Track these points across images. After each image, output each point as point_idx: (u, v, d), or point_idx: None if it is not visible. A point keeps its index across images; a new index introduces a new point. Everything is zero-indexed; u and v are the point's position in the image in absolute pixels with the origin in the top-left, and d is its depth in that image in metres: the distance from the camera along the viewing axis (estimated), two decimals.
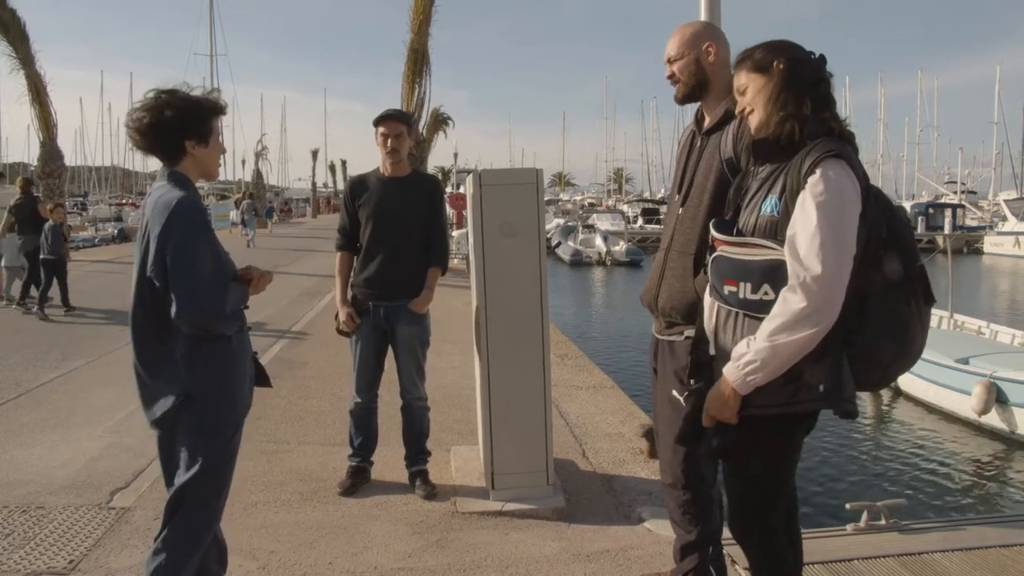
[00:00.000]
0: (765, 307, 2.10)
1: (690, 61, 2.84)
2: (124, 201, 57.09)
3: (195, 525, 2.49)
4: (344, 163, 77.01)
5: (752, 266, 2.14)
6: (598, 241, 35.54)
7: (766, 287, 2.11)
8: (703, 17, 4.05)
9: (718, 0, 4.06)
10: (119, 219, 43.05)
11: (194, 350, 2.41)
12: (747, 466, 2.30)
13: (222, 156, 2.67)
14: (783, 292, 2.05)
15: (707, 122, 2.90)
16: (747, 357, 2.08)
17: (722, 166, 2.74)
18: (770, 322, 2.05)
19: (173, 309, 2.31)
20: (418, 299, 4.20)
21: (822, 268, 1.98)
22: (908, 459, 8.42)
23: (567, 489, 4.33)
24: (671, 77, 2.91)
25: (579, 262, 33.61)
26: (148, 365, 2.45)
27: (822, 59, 2.24)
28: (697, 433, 2.31)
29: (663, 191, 71.20)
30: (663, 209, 50.86)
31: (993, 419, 8.77)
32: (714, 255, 2.27)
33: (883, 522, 3.82)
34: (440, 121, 23.22)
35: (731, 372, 2.12)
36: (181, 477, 2.45)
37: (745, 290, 2.15)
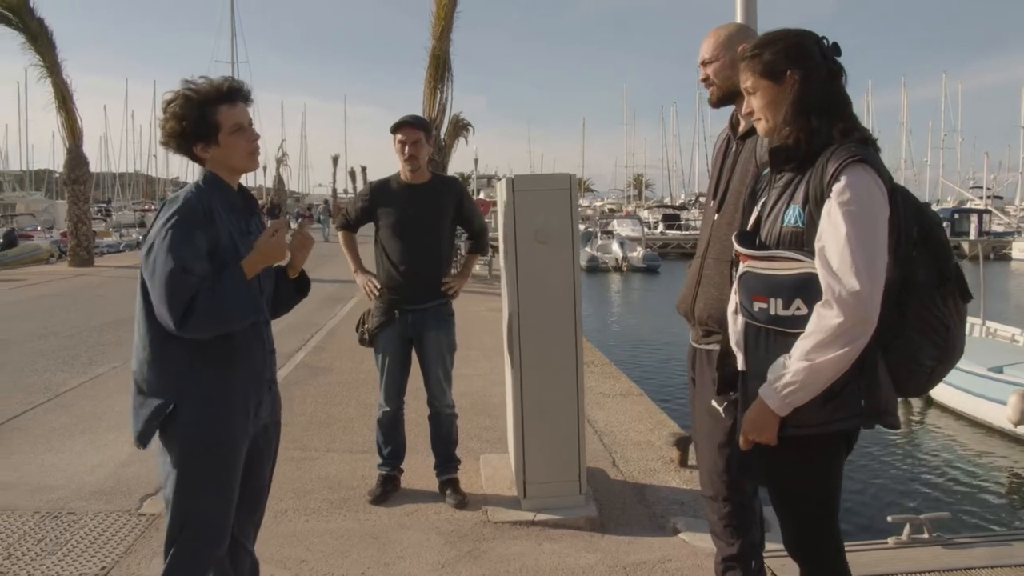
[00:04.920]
0: (797, 322, 2.01)
1: (725, 64, 2.78)
2: (147, 207, 57.67)
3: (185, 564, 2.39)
4: (364, 169, 77.22)
5: (782, 281, 2.05)
6: (615, 247, 35.42)
7: (798, 302, 2.02)
8: (739, 19, 3.99)
9: (754, 2, 4.00)
10: (142, 225, 43.45)
11: (181, 355, 2.29)
12: (793, 488, 2.20)
13: (254, 142, 2.47)
14: (817, 307, 1.95)
15: (742, 126, 2.84)
16: (786, 378, 1.98)
17: (758, 171, 2.68)
18: (806, 340, 1.96)
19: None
20: (452, 279, 4.24)
21: (857, 280, 1.89)
22: (943, 470, 8.27)
23: (598, 499, 4.26)
24: (705, 80, 2.85)
25: (595, 268, 33.40)
26: (139, 370, 2.34)
27: (835, 49, 2.14)
28: (751, 463, 2.20)
29: (683, 197, 70.96)
30: (684, 215, 50.72)
31: None
32: (742, 272, 2.17)
33: (926, 536, 3.72)
34: (460, 127, 23.26)
35: (769, 394, 2.02)
36: (169, 505, 2.36)
37: (776, 306, 2.05)
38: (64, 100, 20.36)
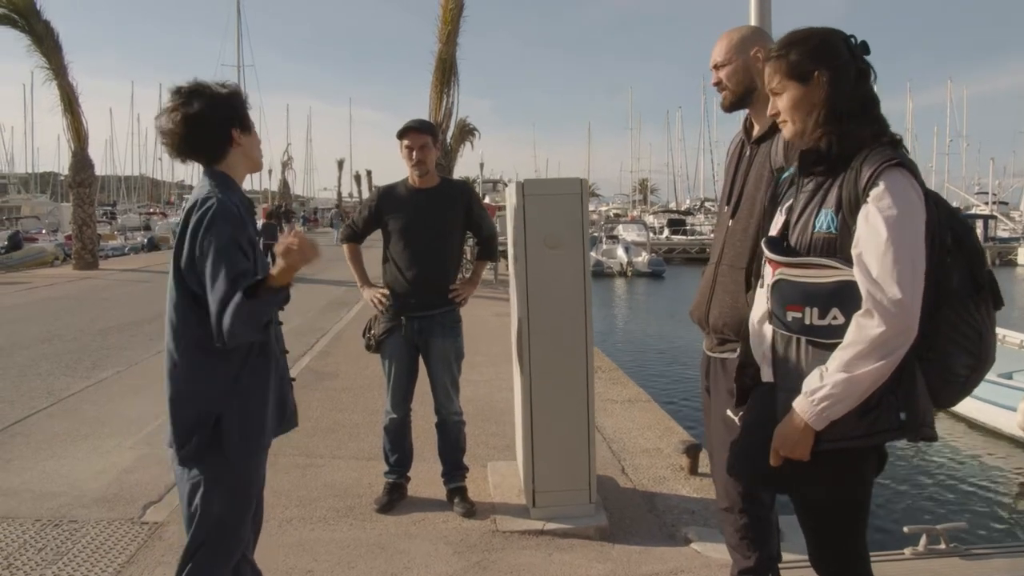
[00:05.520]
0: (833, 332, 1.93)
1: (738, 67, 2.74)
2: (152, 210, 57.77)
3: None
4: (369, 173, 77.11)
5: (819, 289, 1.97)
6: (620, 252, 35.34)
7: (835, 311, 1.93)
8: (752, 21, 3.93)
9: (768, 4, 3.94)
10: (148, 228, 43.50)
11: (218, 364, 2.23)
12: (824, 502, 2.13)
13: (260, 144, 2.51)
14: (856, 317, 1.87)
15: (756, 130, 2.79)
16: (823, 391, 1.90)
17: (773, 176, 2.62)
18: (845, 351, 1.88)
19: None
20: (460, 286, 4.17)
21: (899, 289, 1.82)
22: (954, 478, 8.16)
23: (608, 507, 4.19)
24: (718, 84, 2.80)
25: (600, 273, 33.17)
26: (173, 380, 2.27)
27: (864, 48, 2.07)
28: (782, 477, 2.11)
29: (688, 201, 70.90)
30: (689, 220, 50.59)
31: None
32: (775, 279, 2.06)
33: (943, 546, 3.64)
34: (466, 132, 23.23)
35: (804, 407, 1.94)
36: (196, 517, 2.28)
37: (812, 315, 1.97)
38: (70, 103, 20.34)
